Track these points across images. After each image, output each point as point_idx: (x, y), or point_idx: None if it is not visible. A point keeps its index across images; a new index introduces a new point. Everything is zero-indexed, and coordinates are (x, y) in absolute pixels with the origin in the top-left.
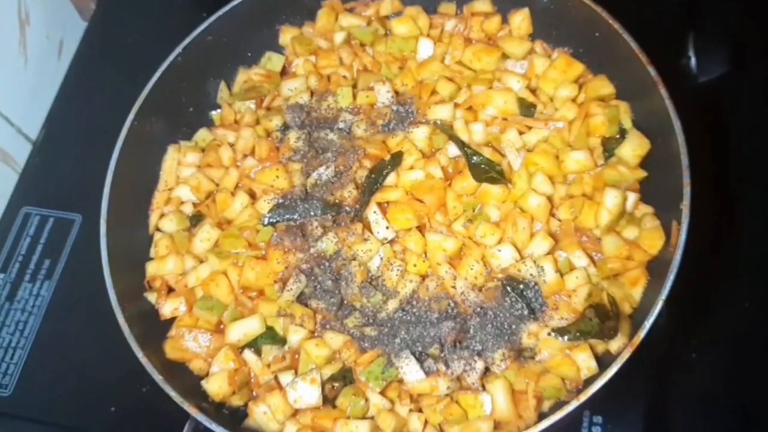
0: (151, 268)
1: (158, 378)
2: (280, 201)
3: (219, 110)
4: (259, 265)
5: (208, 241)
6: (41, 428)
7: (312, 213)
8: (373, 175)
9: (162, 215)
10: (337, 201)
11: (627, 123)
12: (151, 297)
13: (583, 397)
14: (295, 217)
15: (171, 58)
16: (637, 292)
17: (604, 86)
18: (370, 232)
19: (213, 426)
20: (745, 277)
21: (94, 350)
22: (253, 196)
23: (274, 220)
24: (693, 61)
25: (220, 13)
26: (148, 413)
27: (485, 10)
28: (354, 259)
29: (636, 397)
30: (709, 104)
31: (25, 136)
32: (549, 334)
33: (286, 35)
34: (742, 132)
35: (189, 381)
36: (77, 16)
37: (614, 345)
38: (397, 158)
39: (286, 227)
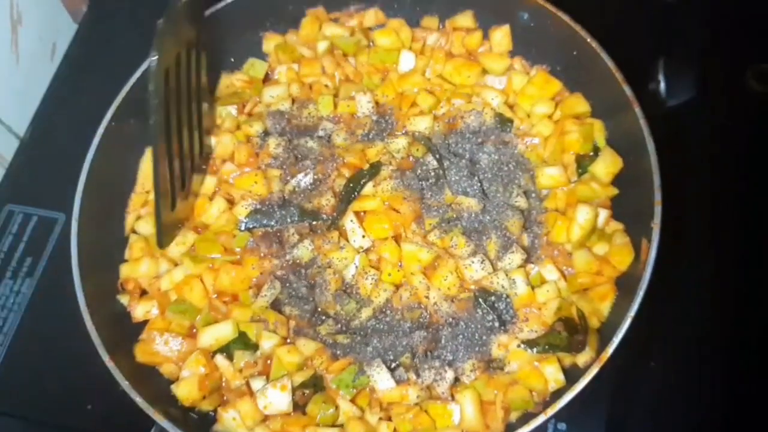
0: (125, 270)
1: (124, 383)
2: (258, 207)
3: None
4: (234, 270)
5: (183, 245)
6: (18, 423)
7: (289, 220)
8: (350, 184)
9: (138, 217)
10: (314, 208)
11: (601, 141)
12: (124, 299)
13: (551, 411)
14: (272, 223)
15: (151, 59)
16: (605, 307)
17: (579, 104)
18: (347, 240)
19: None
20: (704, 290)
21: (73, 348)
22: (230, 201)
23: (251, 226)
24: (662, 85)
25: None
26: (123, 411)
27: (467, 26)
28: (329, 267)
29: (598, 404)
30: (678, 127)
31: (15, 134)
32: (518, 346)
33: (270, 42)
34: (707, 154)
35: (158, 385)
36: (69, 20)
37: (581, 358)
38: (375, 168)
39: (262, 233)
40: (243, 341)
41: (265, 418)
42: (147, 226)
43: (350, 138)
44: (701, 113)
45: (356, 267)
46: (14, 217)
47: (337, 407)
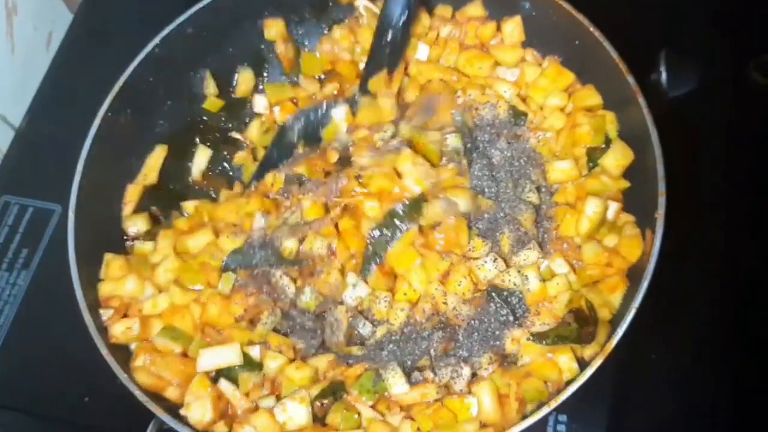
0: (106, 289)
1: (123, 376)
2: (235, 249)
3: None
4: (222, 302)
5: (171, 272)
6: (16, 416)
7: (270, 262)
8: (383, 234)
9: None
10: (303, 252)
11: (613, 133)
12: (106, 314)
13: (555, 403)
14: (254, 263)
15: (148, 49)
16: (616, 299)
17: (591, 96)
18: (365, 281)
19: (178, 426)
20: (708, 282)
21: (69, 340)
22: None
23: (231, 267)
24: (664, 76)
25: (200, 5)
26: (121, 404)
27: (477, 15)
28: (341, 303)
29: (598, 395)
30: (681, 119)
31: (11, 125)
32: (528, 339)
33: (271, 29)
34: (711, 146)
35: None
36: (65, 9)
37: (588, 351)
38: (416, 205)
39: (249, 273)
40: (247, 361)
41: None
42: (141, 223)
43: (373, 154)
44: (704, 105)
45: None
46: (10, 208)
47: (359, 414)
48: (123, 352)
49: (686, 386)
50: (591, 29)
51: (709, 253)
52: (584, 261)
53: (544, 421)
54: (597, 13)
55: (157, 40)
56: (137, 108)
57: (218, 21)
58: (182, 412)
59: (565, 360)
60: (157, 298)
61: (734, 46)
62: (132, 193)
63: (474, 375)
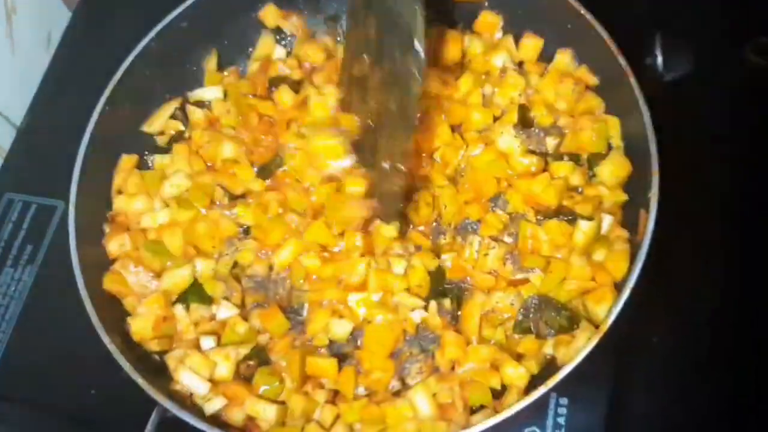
0: (119, 203)
1: (126, 365)
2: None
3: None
4: (210, 224)
5: (177, 188)
6: (23, 409)
7: None
8: None
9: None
10: None
11: (616, 140)
12: (108, 228)
13: (551, 383)
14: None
15: (143, 43)
16: (602, 311)
17: (593, 98)
18: None
19: (181, 414)
20: (706, 265)
21: (74, 333)
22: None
23: None
24: (659, 60)
25: None
26: (125, 395)
27: None
28: None
29: (599, 379)
30: (676, 102)
31: (12, 124)
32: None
33: (269, 18)
34: (707, 128)
35: (160, 370)
36: (64, 7)
37: (560, 352)
38: None
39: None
40: (199, 293)
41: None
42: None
43: None
44: (700, 88)
45: None
46: (13, 205)
47: (281, 381)
48: (126, 342)
49: (687, 369)
50: (582, 11)
51: (709, 236)
52: (569, 274)
53: (545, 404)
54: None
55: (152, 34)
56: (135, 102)
57: (212, 14)
58: (128, 320)
59: (512, 371)
60: (158, 213)
61: (730, 29)
62: (125, 162)
63: (404, 384)
